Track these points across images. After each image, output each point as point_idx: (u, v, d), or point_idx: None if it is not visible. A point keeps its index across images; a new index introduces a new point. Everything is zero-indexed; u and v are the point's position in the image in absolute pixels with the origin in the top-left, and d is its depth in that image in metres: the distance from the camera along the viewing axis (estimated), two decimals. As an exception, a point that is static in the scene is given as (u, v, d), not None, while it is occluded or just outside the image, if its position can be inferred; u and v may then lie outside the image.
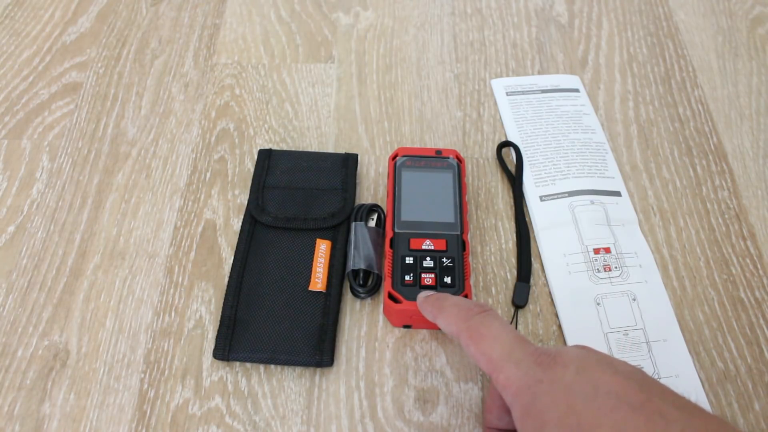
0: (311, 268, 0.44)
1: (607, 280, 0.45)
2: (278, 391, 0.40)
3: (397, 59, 0.59)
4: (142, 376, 0.41)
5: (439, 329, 0.43)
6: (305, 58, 0.59)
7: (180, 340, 0.42)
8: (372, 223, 0.47)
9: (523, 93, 0.57)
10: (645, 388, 0.27)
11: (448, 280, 0.42)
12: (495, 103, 0.56)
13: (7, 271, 0.45)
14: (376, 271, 0.44)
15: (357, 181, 0.50)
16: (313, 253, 0.45)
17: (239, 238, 0.46)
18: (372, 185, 0.51)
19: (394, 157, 0.48)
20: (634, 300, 0.44)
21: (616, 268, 0.45)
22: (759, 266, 0.46)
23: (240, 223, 0.47)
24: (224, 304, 0.43)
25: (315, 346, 0.41)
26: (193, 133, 0.54)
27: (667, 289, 0.45)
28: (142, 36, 0.61)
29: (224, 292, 0.44)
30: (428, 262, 0.42)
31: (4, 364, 0.41)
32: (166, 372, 0.41)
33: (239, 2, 0.64)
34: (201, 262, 0.46)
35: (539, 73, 0.59)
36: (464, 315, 0.33)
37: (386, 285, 0.42)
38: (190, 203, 0.49)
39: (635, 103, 0.56)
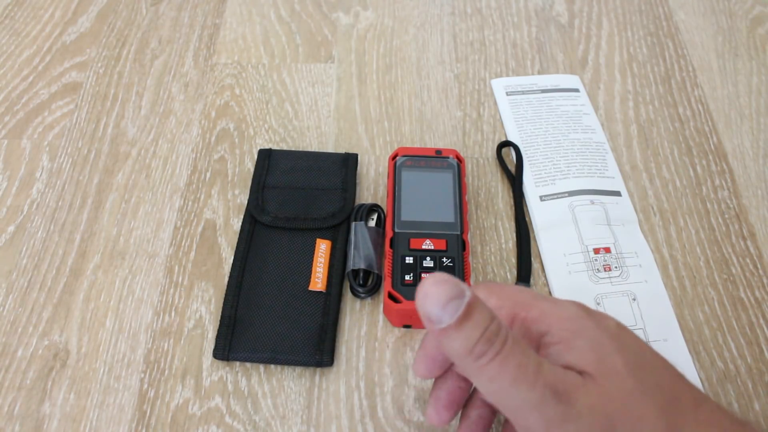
0: (311, 268, 0.44)
1: (607, 280, 0.45)
2: (278, 390, 0.40)
3: (397, 59, 0.59)
4: (142, 376, 0.41)
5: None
6: (305, 58, 0.59)
7: (180, 340, 0.42)
8: (372, 223, 0.47)
9: (523, 93, 0.57)
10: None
11: (448, 279, 0.42)
12: (495, 103, 0.56)
13: (7, 271, 0.45)
14: (376, 271, 0.44)
15: (357, 180, 0.50)
16: (313, 253, 0.45)
17: (239, 238, 0.46)
18: (372, 185, 0.51)
19: (394, 157, 0.48)
20: (634, 300, 0.44)
21: (616, 267, 0.45)
22: (759, 266, 0.46)
23: (240, 223, 0.47)
24: (224, 303, 0.43)
25: (315, 346, 0.41)
26: (193, 133, 0.54)
27: (667, 289, 0.45)
28: (142, 36, 0.61)
29: (224, 292, 0.44)
30: (428, 262, 0.42)
31: (4, 364, 0.41)
32: (166, 372, 0.41)
33: (239, 2, 0.64)
34: (201, 262, 0.46)
35: (539, 73, 0.59)
36: None
37: (386, 285, 0.42)
38: (190, 203, 0.49)
39: (635, 103, 0.56)
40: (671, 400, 0.26)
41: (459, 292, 0.25)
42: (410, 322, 0.42)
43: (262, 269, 0.44)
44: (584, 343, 0.27)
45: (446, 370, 0.33)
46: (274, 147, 0.53)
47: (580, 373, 0.26)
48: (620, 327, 0.29)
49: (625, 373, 0.26)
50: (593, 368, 0.26)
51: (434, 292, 0.25)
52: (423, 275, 0.42)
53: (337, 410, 0.40)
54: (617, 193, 0.50)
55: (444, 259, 0.43)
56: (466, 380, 0.33)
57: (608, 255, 0.46)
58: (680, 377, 0.28)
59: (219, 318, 0.42)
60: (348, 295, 0.44)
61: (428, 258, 0.43)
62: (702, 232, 0.48)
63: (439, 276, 0.25)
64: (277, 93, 0.56)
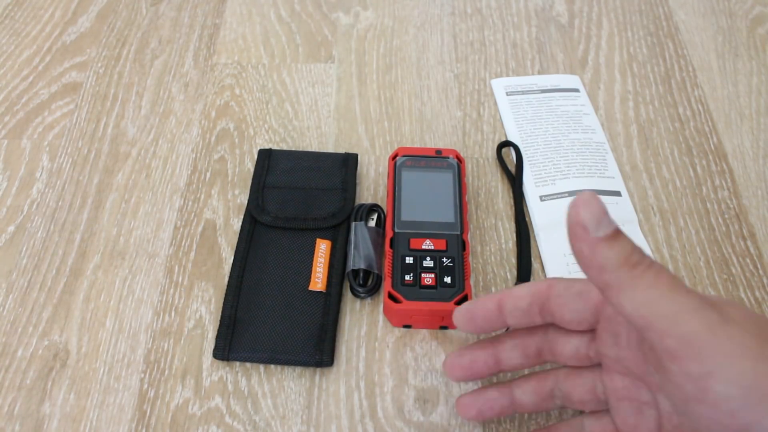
0: (311, 268, 0.44)
1: (607, 280, 0.45)
2: (278, 391, 0.40)
3: (397, 59, 0.59)
4: (142, 376, 0.41)
5: (439, 329, 0.43)
6: (305, 58, 0.59)
7: (180, 340, 0.42)
8: (372, 223, 0.47)
9: (523, 93, 0.57)
10: None
11: (448, 279, 0.42)
12: (495, 103, 0.56)
13: (7, 271, 0.45)
14: (376, 271, 0.44)
15: (357, 181, 0.50)
16: (313, 253, 0.45)
17: (239, 238, 0.46)
18: (372, 185, 0.51)
19: (394, 157, 0.48)
20: (634, 300, 0.44)
21: (616, 268, 0.45)
22: (759, 266, 0.46)
23: (240, 223, 0.47)
24: (224, 304, 0.43)
25: (315, 346, 0.41)
26: (193, 133, 0.54)
27: (667, 289, 0.45)
28: (142, 36, 0.61)
29: (224, 292, 0.44)
30: (428, 262, 0.42)
31: (4, 364, 0.41)
32: (166, 372, 0.41)
33: (239, 2, 0.64)
34: (201, 262, 0.46)
35: (539, 73, 0.59)
36: None
37: (386, 285, 0.42)
38: (190, 203, 0.49)
39: (635, 103, 0.56)
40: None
41: (607, 211, 0.26)
42: (410, 322, 0.42)
43: (262, 269, 0.44)
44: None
45: (485, 341, 0.35)
46: (274, 147, 0.53)
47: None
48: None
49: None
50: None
51: (593, 204, 0.26)
52: (423, 275, 0.42)
53: (337, 410, 0.40)
54: (617, 193, 0.50)
55: (444, 259, 0.43)
56: (495, 361, 0.35)
57: (608, 255, 0.46)
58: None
59: (219, 318, 0.42)
60: (348, 295, 0.44)
61: (428, 258, 0.43)
62: (702, 232, 0.48)
63: (591, 193, 0.26)
64: (277, 93, 0.56)
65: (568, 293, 0.32)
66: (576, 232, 0.26)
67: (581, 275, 0.45)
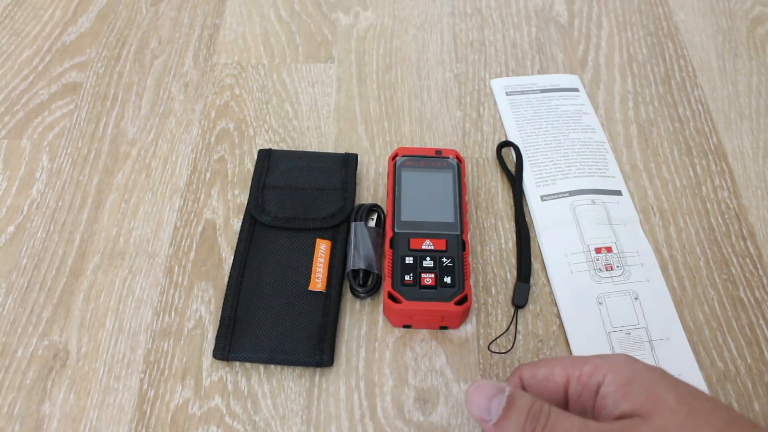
0: (311, 268, 0.44)
1: (609, 280, 0.45)
2: (278, 391, 0.40)
3: (397, 59, 0.59)
4: (142, 376, 0.41)
5: (439, 329, 0.43)
6: (305, 58, 0.59)
7: (180, 340, 0.42)
8: (372, 223, 0.47)
9: (522, 93, 0.57)
10: None
11: (447, 280, 0.42)
12: (495, 103, 0.56)
13: (7, 271, 0.45)
14: (375, 271, 0.44)
15: (357, 181, 0.50)
16: (313, 253, 0.45)
17: (239, 238, 0.46)
18: (372, 185, 0.51)
19: (393, 157, 0.48)
20: (636, 299, 0.44)
21: (617, 267, 0.45)
22: (759, 266, 0.46)
23: (240, 223, 0.47)
24: (224, 304, 0.43)
25: (315, 346, 0.41)
26: (193, 133, 0.54)
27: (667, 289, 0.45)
28: (142, 36, 0.61)
29: (224, 292, 0.44)
30: (428, 262, 0.42)
31: (4, 364, 0.41)
32: (166, 372, 0.41)
33: (239, 2, 0.64)
34: (201, 262, 0.46)
35: (539, 72, 0.59)
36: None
37: (386, 285, 0.42)
38: (190, 203, 0.49)
39: (635, 103, 0.56)
40: (723, 428, 0.27)
41: (498, 389, 0.30)
42: (410, 322, 0.42)
43: (262, 269, 0.44)
44: (638, 387, 0.29)
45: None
46: (274, 147, 0.53)
47: (636, 416, 0.28)
48: (666, 372, 0.30)
49: (677, 407, 0.27)
50: (648, 408, 0.28)
51: (477, 397, 0.30)
52: (423, 275, 0.42)
53: (337, 410, 0.40)
54: (618, 193, 0.50)
55: (444, 260, 0.43)
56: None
57: (610, 254, 0.46)
58: (729, 409, 0.29)
59: (219, 318, 0.42)
60: (348, 295, 0.44)
61: (428, 258, 0.43)
62: (702, 232, 0.48)
63: (478, 382, 0.31)
64: (277, 93, 0.56)
65: (536, 382, 0.33)
66: (479, 423, 0.30)
67: (582, 276, 0.45)
